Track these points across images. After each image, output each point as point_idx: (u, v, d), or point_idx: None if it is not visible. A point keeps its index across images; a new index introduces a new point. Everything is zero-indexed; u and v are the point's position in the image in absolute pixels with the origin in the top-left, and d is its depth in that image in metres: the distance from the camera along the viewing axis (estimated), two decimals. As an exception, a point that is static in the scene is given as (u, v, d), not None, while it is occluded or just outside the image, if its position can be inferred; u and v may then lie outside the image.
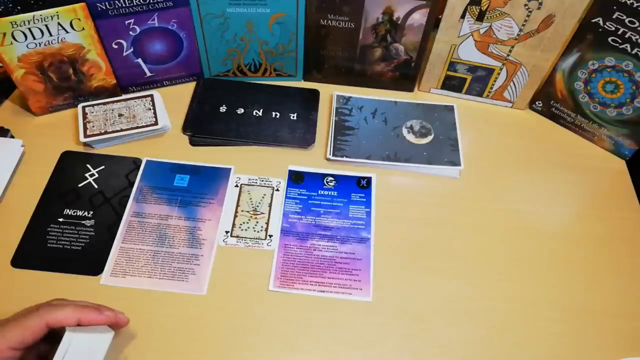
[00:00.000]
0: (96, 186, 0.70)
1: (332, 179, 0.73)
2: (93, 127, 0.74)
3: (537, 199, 0.73)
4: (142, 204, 0.69)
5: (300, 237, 0.67)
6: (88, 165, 0.73)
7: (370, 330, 0.60)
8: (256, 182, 0.72)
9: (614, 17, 0.67)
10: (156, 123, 0.76)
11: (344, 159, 0.75)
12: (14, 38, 0.67)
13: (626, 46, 0.69)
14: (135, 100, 0.78)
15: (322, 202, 0.71)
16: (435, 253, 0.67)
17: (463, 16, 0.74)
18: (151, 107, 0.77)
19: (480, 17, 0.73)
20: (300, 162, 0.75)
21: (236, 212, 0.69)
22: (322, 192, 0.72)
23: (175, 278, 0.63)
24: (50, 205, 0.68)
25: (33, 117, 0.78)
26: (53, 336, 0.49)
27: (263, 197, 0.71)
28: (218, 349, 0.57)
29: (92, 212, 0.68)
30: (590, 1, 0.68)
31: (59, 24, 0.69)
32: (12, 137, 0.75)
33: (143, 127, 0.75)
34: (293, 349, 0.58)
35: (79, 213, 0.67)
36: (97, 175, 0.72)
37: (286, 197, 0.71)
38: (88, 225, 0.66)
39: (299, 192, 0.71)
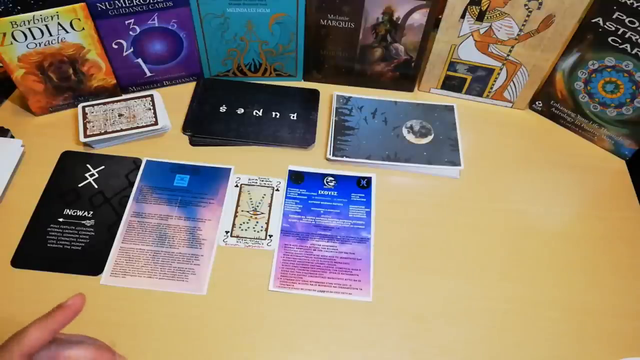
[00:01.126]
0: (96, 186, 0.70)
1: (332, 179, 0.73)
2: (93, 127, 0.74)
3: (537, 199, 0.73)
4: (142, 204, 0.69)
5: (300, 237, 0.67)
6: (88, 165, 0.73)
7: (370, 330, 0.60)
8: (256, 182, 0.72)
9: (614, 17, 0.67)
10: (156, 123, 0.76)
11: (344, 159, 0.75)
12: (14, 38, 0.67)
13: (626, 46, 0.69)
14: (135, 100, 0.78)
15: (322, 202, 0.71)
16: (435, 253, 0.67)
17: (463, 16, 0.73)
18: (151, 107, 0.77)
19: (480, 17, 0.73)
20: (300, 162, 0.75)
21: (236, 212, 0.69)
22: (322, 192, 0.72)
23: (175, 278, 0.63)
24: (50, 205, 0.68)
25: (33, 117, 0.78)
26: None
27: (263, 197, 0.71)
28: (218, 349, 0.57)
29: (92, 212, 0.68)
30: (590, 1, 0.68)
31: (59, 24, 0.69)
32: (12, 137, 0.75)
33: (143, 127, 0.75)
34: (293, 349, 0.58)
35: (79, 213, 0.67)
36: (97, 175, 0.72)
37: (286, 197, 0.71)
38: (88, 225, 0.66)
39: (299, 192, 0.71)
